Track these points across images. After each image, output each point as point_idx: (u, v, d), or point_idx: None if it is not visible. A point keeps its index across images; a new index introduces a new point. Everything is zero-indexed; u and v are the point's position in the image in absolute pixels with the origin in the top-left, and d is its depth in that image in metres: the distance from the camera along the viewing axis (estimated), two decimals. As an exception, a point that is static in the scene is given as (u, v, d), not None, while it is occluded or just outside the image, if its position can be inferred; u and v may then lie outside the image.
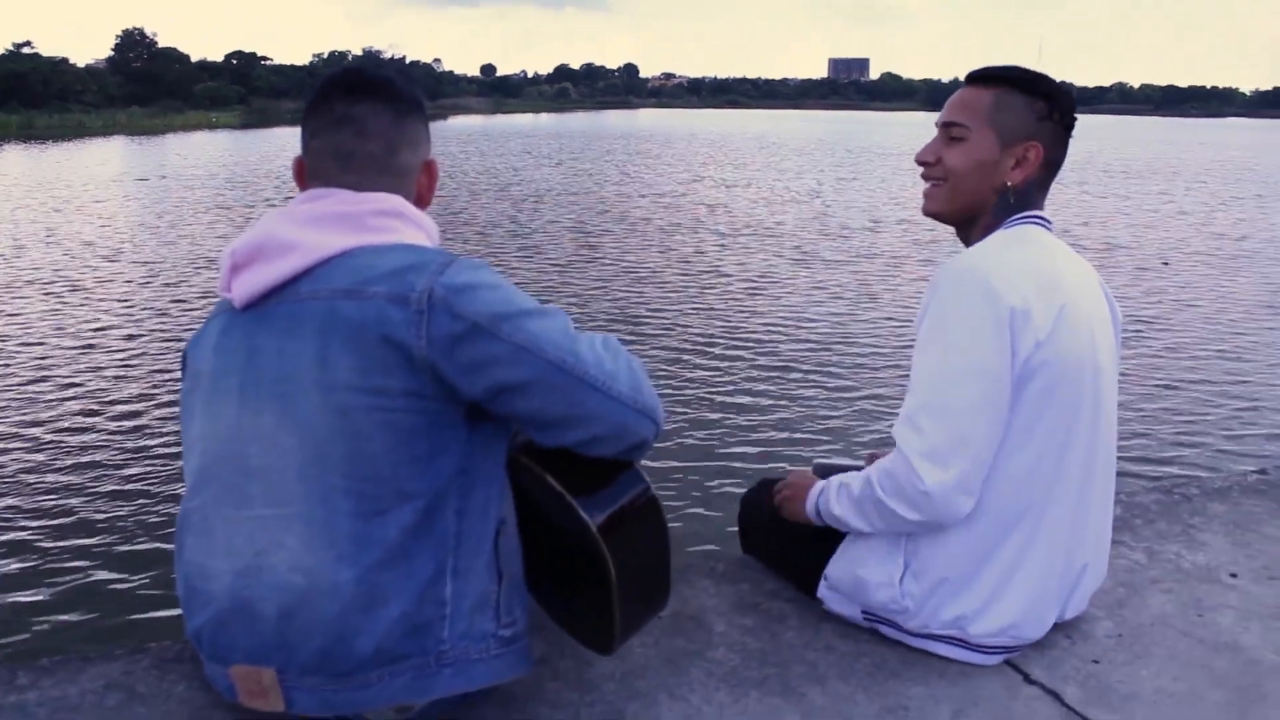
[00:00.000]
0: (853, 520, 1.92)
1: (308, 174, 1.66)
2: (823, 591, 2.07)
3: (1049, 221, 1.95)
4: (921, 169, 2.00)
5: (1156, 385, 8.02)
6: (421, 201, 1.70)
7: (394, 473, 1.46)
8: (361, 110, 1.62)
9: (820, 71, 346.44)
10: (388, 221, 1.56)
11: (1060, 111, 1.92)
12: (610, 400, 1.51)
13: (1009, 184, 1.91)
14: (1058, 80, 1.93)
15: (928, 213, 2.01)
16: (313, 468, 1.46)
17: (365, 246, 1.51)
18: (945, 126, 1.96)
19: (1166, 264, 13.75)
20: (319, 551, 1.45)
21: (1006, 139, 1.90)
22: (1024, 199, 1.93)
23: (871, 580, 1.93)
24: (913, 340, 1.87)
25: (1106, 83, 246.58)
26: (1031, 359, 1.76)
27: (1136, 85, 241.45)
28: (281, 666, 1.48)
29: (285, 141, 43.54)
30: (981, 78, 1.95)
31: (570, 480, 1.56)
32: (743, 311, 10.64)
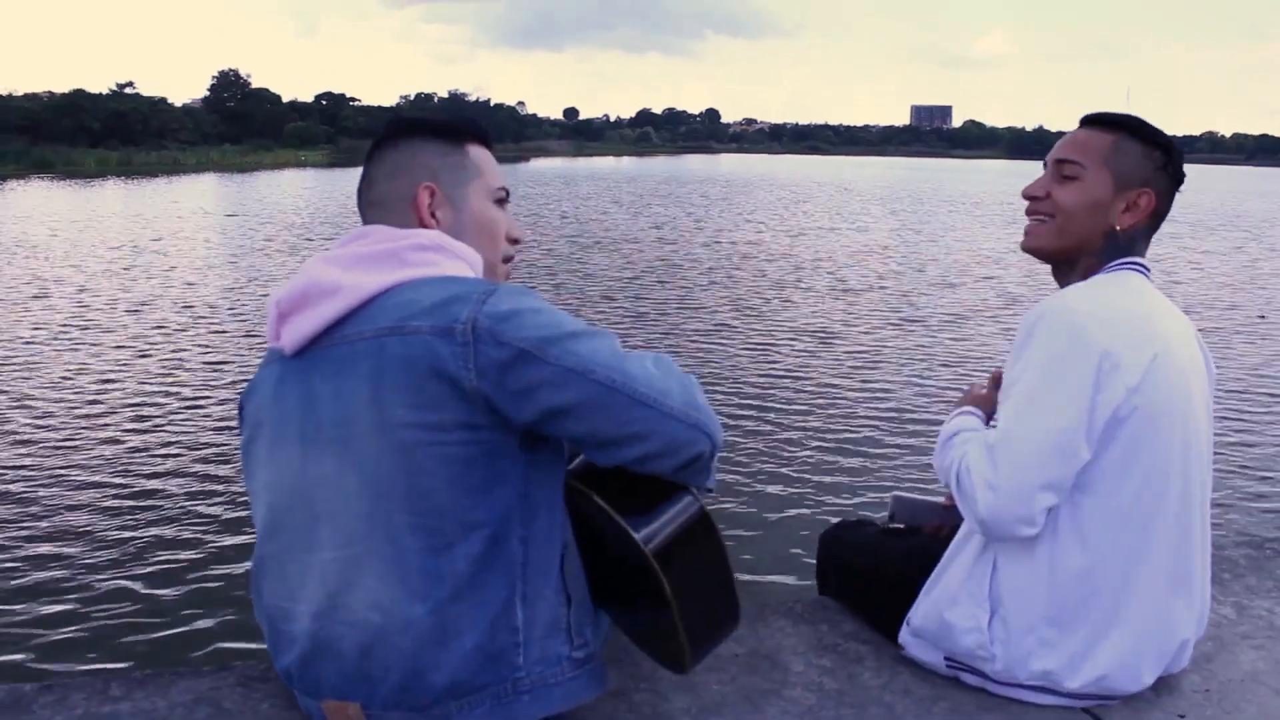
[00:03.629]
0: (937, 461, 1.97)
1: None
2: (904, 637, 2.04)
3: (1148, 269, 1.93)
4: (1028, 203, 1.99)
5: (1247, 437, 7.82)
6: (424, 224, 1.67)
7: (455, 505, 1.47)
8: (371, 152, 1.76)
9: (903, 118, 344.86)
10: (427, 255, 1.58)
11: (1174, 165, 1.93)
12: (662, 416, 1.49)
13: (1117, 228, 1.91)
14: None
15: (1028, 248, 2.00)
16: (377, 507, 1.48)
17: (406, 282, 1.53)
18: (1059, 163, 1.95)
19: (1263, 318, 13.42)
20: (392, 588, 1.47)
21: (1121, 183, 1.90)
22: (1129, 245, 1.92)
23: (958, 624, 1.90)
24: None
25: (1196, 131, 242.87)
26: (1122, 406, 1.74)
27: (1228, 134, 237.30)
28: (366, 701, 1.52)
29: (371, 180, 44.19)
30: (1101, 121, 1.96)
31: (621, 502, 1.57)
32: (823, 355, 10.59)
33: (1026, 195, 1.99)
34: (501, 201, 1.78)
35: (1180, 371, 1.82)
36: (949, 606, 1.92)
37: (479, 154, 1.76)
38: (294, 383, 1.57)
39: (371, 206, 1.71)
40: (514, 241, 1.80)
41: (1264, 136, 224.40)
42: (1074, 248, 1.95)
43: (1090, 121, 1.97)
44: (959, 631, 1.89)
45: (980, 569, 1.88)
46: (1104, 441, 1.76)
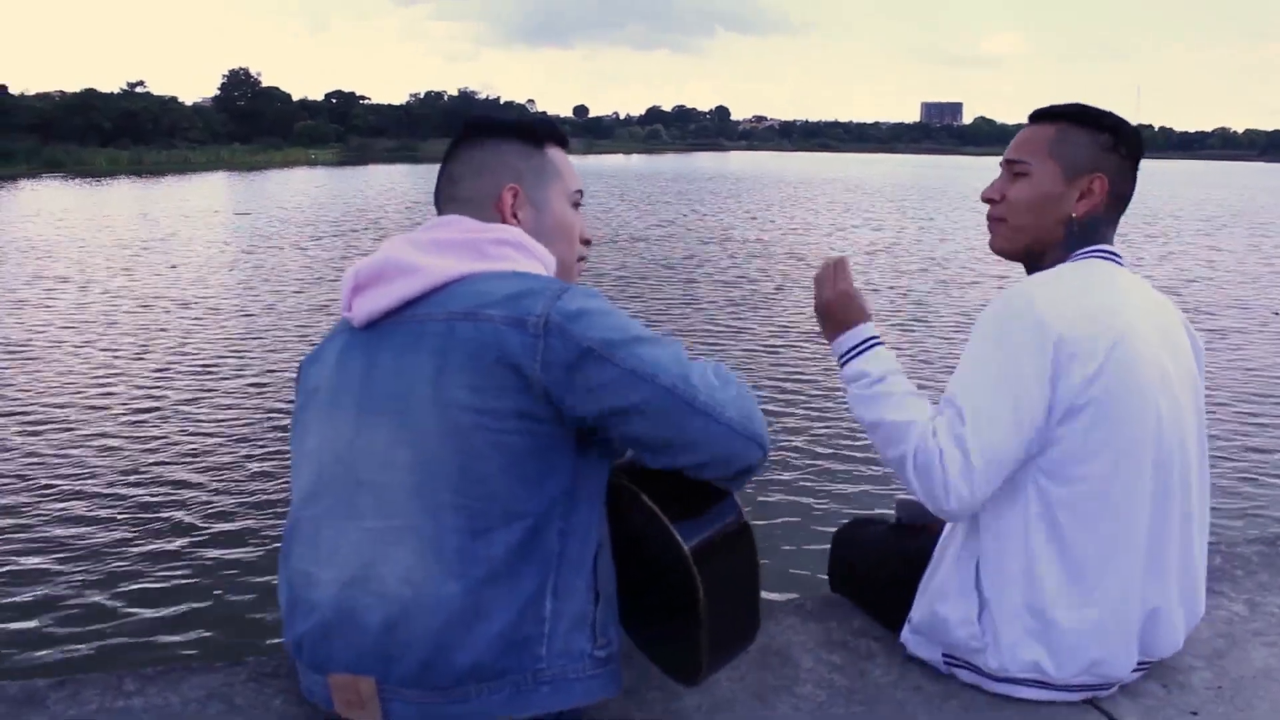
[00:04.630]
0: (864, 422, 1.93)
1: None
2: (906, 635, 2.05)
3: (1118, 255, 1.92)
4: (988, 207, 2.00)
5: (1261, 435, 7.81)
6: (506, 223, 1.71)
7: (504, 492, 1.49)
8: (453, 149, 1.79)
9: (913, 115, 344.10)
10: (506, 250, 1.62)
11: (1127, 144, 1.91)
12: (720, 426, 1.53)
13: (1074, 216, 1.90)
14: (1123, 118, 1.93)
15: (994, 249, 2.02)
16: (424, 483, 1.49)
17: (483, 273, 1.57)
18: (1008, 164, 1.97)
19: (1278, 314, 13.36)
20: (427, 565, 1.48)
21: (1070, 171, 1.90)
22: (1090, 232, 1.92)
23: (951, 618, 1.90)
24: None
25: (1208, 128, 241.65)
26: (1080, 394, 1.74)
27: (1240, 130, 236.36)
28: (381, 677, 1.51)
29: (380, 178, 44.59)
30: (1043, 114, 1.97)
31: (666, 503, 1.58)
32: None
33: (984, 198, 2.01)
34: (576, 204, 1.84)
35: (1148, 358, 1.79)
36: (941, 600, 1.92)
37: (558, 155, 1.81)
38: (358, 353, 1.60)
39: (453, 202, 1.75)
40: (586, 242, 1.86)
41: (1276, 132, 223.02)
42: (1034, 244, 1.95)
43: (1035, 117, 1.98)
44: (952, 624, 1.90)
45: (965, 562, 1.89)
46: (1065, 428, 1.76)
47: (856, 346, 1.97)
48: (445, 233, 1.64)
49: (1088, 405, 1.74)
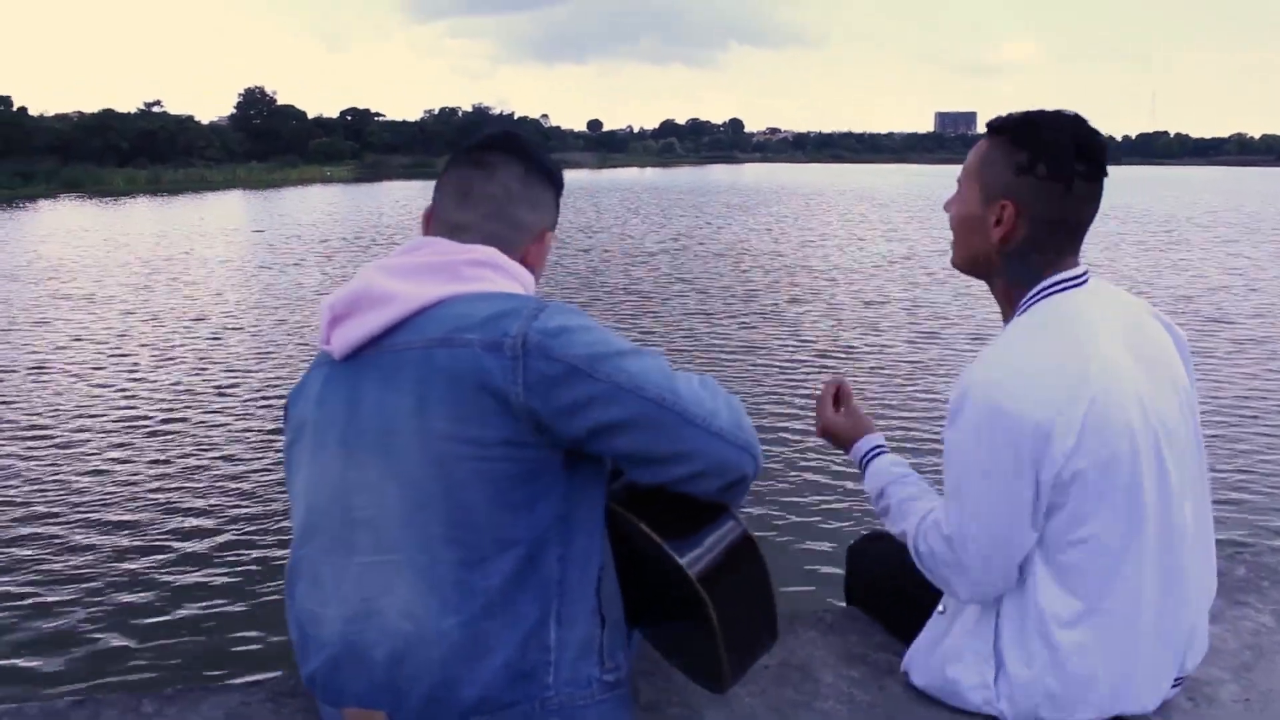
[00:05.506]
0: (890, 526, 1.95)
1: (430, 211, 1.74)
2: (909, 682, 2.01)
3: (1079, 278, 1.78)
4: None
5: (1282, 445, 7.73)
6: (528, 265, 1.70)
7: (492, 521, 1.47)
8: (495, 158, 1.70)
9: (926, 125, 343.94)
10: (482, 271, 1.59)
11: (1049, 163, 1.72)
12: (711, 436, 1.50)
13: (994, 243, 1.78)
14: (1079, 126, 1.74)
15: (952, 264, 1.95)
16: (414, 517, 1.48)
17: (459, 295, 1.54)
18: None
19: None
20: (425, 599, 1.47)
21: (986, 195, 1.78)
22: (1022, 261, 1.78)
23: (963, 680, 1.85)
24: None
25: (1224, 134, 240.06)
26: (1064, 468, 1.66)
27: (1257, 135, 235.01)
28: (392, 710, 1.51)
29: (396, 194, 44.78)
30: (989, 126, 1.83)
31: (664, 527, 1.56)
32: (849, 367, 10.57)
33: (944, 208, 1.94)
34: None
35: (1131, 397, 1.70)
36: (953, 662, 1.87)
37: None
38: (340, 387, 1.58)
39: (489, 219, 1.68)
40: None
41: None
42: (974, 265, 1.86)
43: (986, 128, 1.85)
44: (965, 688, 1.85)
45: (984, 627, 1.83)
46: (1056, 503, 1.70)
47: (858, 466, 2.06)
48: (420, 256, 1.60)
49: (1074, 477, 1.67)
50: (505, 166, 1.70)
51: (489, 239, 1.65)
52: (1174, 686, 1.89)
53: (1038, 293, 1.77)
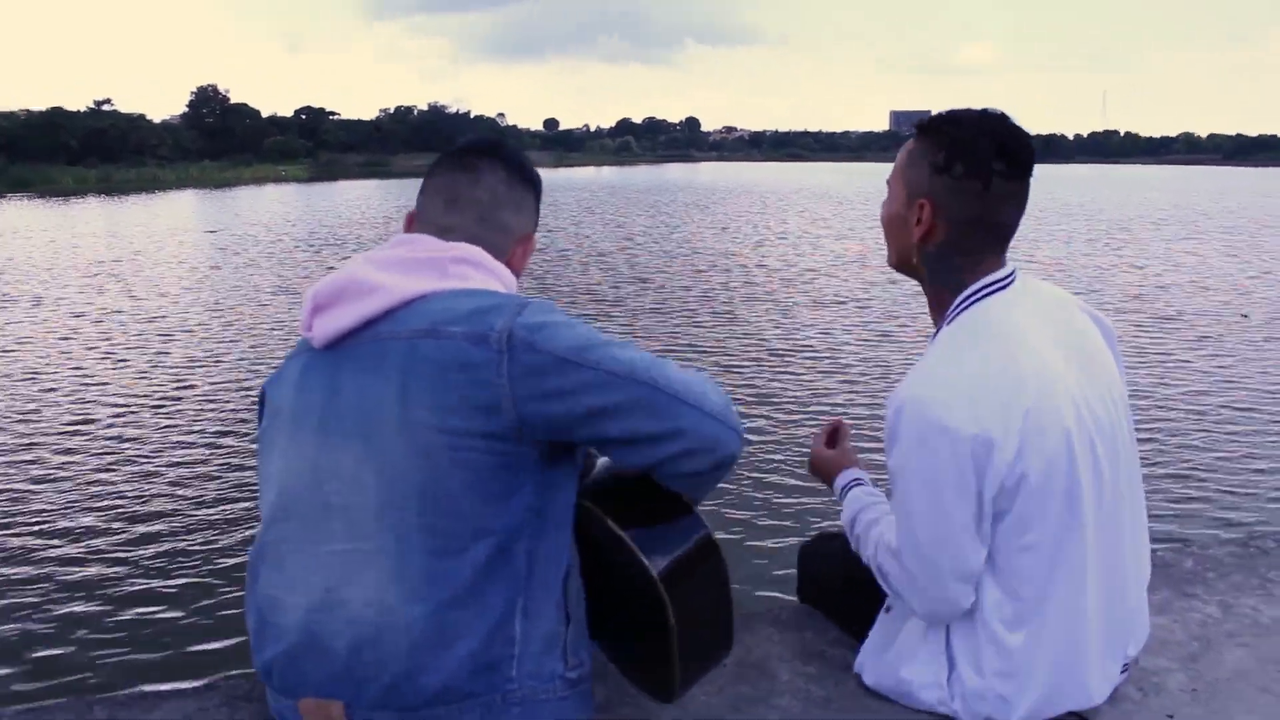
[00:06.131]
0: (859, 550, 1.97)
1: (415, 215, 1.76)
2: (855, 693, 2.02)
3: (1005, 280, 1.78)
4: None
5: (1232, 437, 7.89)
6: (513, 269, 1.74)
7: (469, 511, 1.48)
8: (482, 163, 1.75)
9: (882, 124, 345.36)
10: (466, 269, 1.62)
11: (966, 162, 1.71)
12: (703, 414, 1.53)
13: (914, 242, 1.79)
14: (1001, 124, 1.73)
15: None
16: (390, 504, 1.48)
17: (444, 291, 1.56)
18: None
19: (1246, 316, 13.49)
20: (392, 587, 1.47)
21: (910, 194, 1.78)
22: (943, 261, 1.79)
23: (916, 680, 1.87)
24: None
25: (1173, 133, 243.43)
26: (1007, 478, 1.67)
27: (1204, 134, 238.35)
28: (350, 700, 1.50)
29: (351, 193, 44.45)
30: (916, 126, 1.82)
31: (631, 526, 1.57)
32: (805, 368, 10.63)
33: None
34: None
35: (1065, 400, 1.71)
36: (907, 663, 1.89)
37: None
38: (320, 374, 1.59)
39: (476, 223, 1.72)
40: None
41: (1239, 136, 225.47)
42: (903, 265, 1.87)
43: (914, 128, 1.84)
44: (918, 687, 1.87)
45: (934, 630, 1.85)
46: (1001, 509, 1.71)
47: (838, 497, 2.08)
48: (407, 251, 1.63)
49: (1017, 485, 1.68)
50: (490, 171, 1.74)
51: (475, 242, 1.68)
52: (1122, 672, 1.92)
53: (965, 299, 1.78)
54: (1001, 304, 1.76)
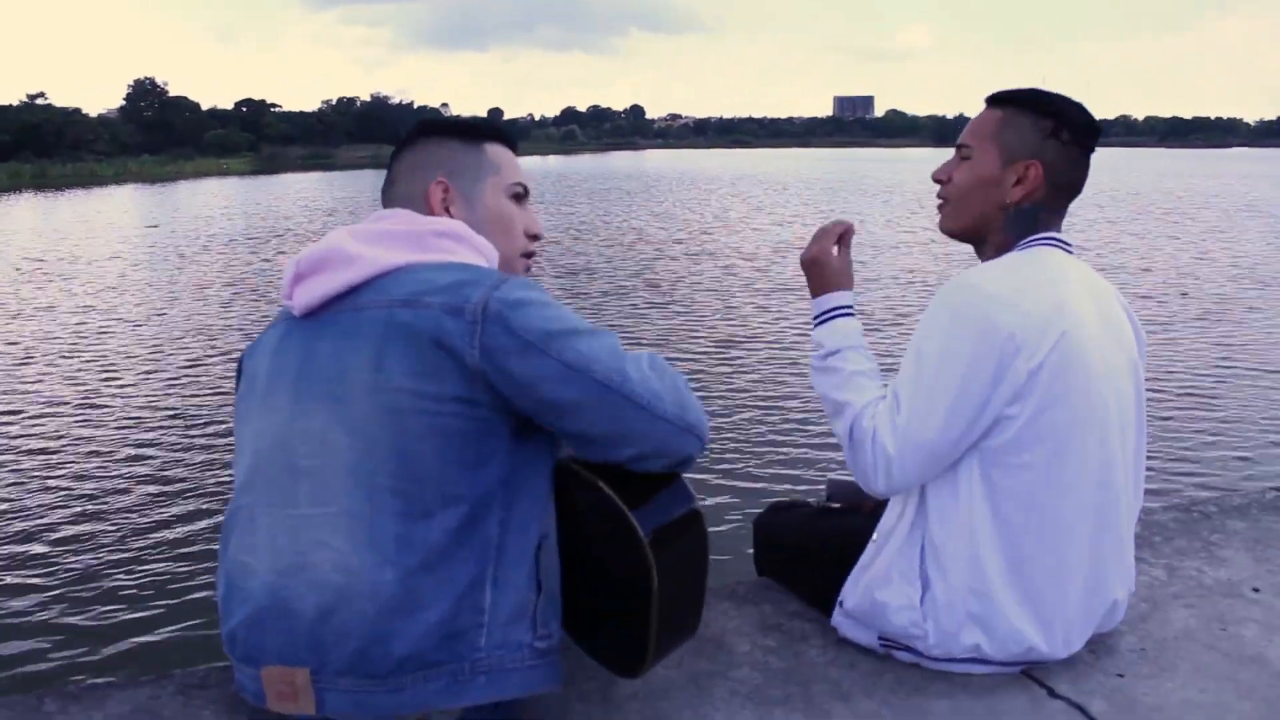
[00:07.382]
0: (815, 391, 2.02)
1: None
2: (838, 619, 2.06)
3: (1067, 244, 1.93)
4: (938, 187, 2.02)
5: (1174, 406, 8.06)
6: (436, 214, 1.75)
7: (441, 475, 1.48)
8: (396, 152, 1.84)
9: (826, 110, 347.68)
10: (447, 242, 1.64)
11: (1071, 130, 1.89)
12: (656, 419, 1.55)
13: (1010, 201, 1.90)
14: (1077, 104, 1.92)
15: (941, 229, 2.03)
16: (361, 467, 1.48)
17: (424, 263, 1.58)
18: (958, 147, 1.99)
19: (1185, 294, 13.74)
20: (362, 551, 1.47)
21: (1008, 157, 1.90)
22: (1030, 219, 1.91)
23: (891, 603, 1.91)
24: None
25: (1110, 115, 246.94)
26: (1024, 384, 1.75)
27: (1141, 118, 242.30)
28: (316, 667, 1.48)
29: (294, 186, 43.90)
30: (995, 99, 1.97)
31: (622, 489, 1.58)
32: (756, 347, 10.67)
33: (933, 179, 2.03)
34: (519, 197, 1.85)
35: (1095, 347, 1.81)
36: (882, 586, 1.93)
37: (497, 152, 1.84)
38: (297, 340, 1.61)
39: (393, 203, 1.78)
40: (534, 237, 1.87)
41: (1174, 119, 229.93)
42: (975, 227, 1.97)
43: (989, 100, 1.99)
44: (891, 610, 1.91)
45: (910, 549, 1.90)
46: (1008, 416, 1.77)
47: (821, 315, 2.04)
48: (388, 224, 1.66)
49: (1031, 395, 1.75)
50: (399, 162, 1.83)
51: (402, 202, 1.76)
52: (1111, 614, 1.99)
53: (1035, 240, 1.91)
54: (1062, 255, 1.91)
